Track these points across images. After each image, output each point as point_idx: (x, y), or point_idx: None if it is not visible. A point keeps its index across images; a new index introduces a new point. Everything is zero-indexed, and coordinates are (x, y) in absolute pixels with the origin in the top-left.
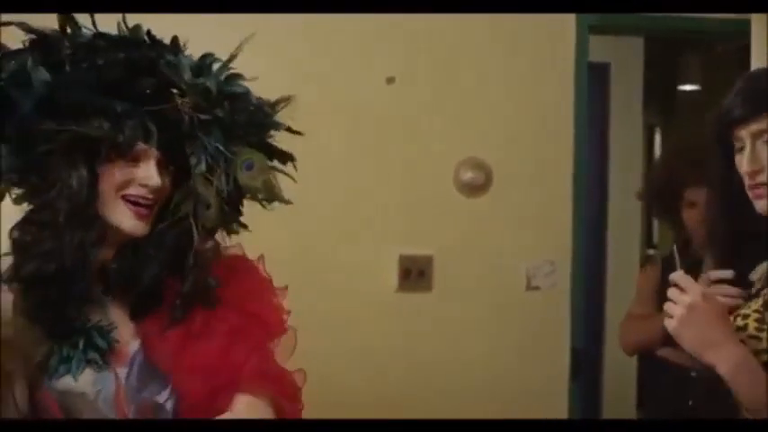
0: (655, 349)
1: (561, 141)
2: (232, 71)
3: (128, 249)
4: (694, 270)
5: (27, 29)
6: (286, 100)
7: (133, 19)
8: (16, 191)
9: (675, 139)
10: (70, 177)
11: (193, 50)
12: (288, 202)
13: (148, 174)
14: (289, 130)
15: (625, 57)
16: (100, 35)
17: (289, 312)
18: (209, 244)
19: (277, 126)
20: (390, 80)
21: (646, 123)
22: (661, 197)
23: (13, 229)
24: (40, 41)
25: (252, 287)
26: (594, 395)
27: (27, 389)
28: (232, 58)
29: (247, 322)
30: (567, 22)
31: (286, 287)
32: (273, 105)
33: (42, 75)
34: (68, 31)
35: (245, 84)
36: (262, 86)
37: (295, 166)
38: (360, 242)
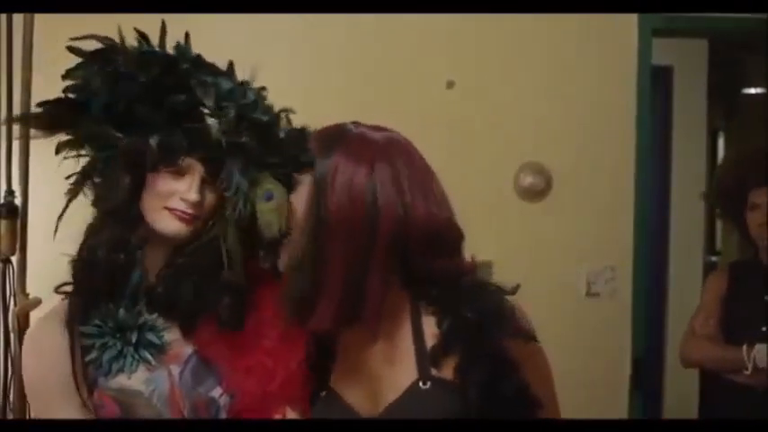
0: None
1: (623, 145)
2: (258, 99)
3: (169, 271)
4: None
5: (96, 38)
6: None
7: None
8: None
9: (739, 142)
10: (118, 179)
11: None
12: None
13: (188, 188)
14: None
15: (688, 59)
16: (145, 52)
17: None
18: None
19: (309, 162)
20: (450, 84)
21: (709, 127)
22: (726, 199)
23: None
24: (99, 53)
25: None
26: (655, 404)
27: (85, 389)
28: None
29: (297, 331)
30: (629, 25)
31: None
32: (307, 136)
33: (97, 83)
34: (125, 42)
35: (285, 113)
36: (319, 89)
37: None
38: None
